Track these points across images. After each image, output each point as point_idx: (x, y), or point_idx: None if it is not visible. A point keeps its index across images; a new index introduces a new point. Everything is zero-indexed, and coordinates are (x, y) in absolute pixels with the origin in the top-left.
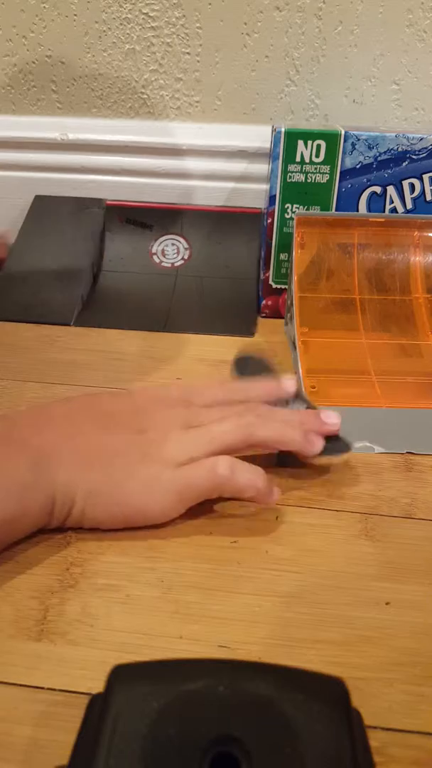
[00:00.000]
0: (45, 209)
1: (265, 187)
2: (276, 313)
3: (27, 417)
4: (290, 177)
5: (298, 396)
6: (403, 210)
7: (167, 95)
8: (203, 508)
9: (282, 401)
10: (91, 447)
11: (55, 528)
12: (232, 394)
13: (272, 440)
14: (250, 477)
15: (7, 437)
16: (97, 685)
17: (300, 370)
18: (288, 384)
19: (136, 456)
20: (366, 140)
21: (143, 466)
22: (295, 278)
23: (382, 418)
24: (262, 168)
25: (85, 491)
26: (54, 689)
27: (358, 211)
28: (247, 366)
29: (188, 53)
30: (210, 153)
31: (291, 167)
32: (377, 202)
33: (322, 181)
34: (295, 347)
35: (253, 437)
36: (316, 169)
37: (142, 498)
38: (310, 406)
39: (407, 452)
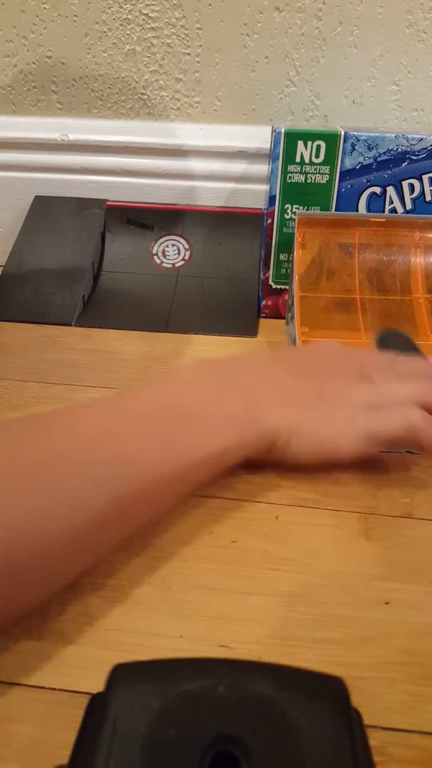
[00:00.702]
0: (45, 210)
1: (265, 187)
2: (276, 314)
3: (238, 362)
4: (290, 177)
5: None
6: (402, 210)
7: (167, 96)
8: (204, 507)
9: None
10: (289, 391)
11: (259, 464)
12: (395, 367)
13: None
14: None
15: (227, 378)
16: (97, 685)
17: None
18: None
19: (328, 400)
20: (366, 141)
21: (336, 410)
22: (296, 278)
23: None
24: (262, 168)
25: (289, 429)
26: (54, 689)
27: (357, 211)
28: (392, 343)
29: (188, 54)
30: (210, 154)
31: (291, 168)
32: (377, 203)
33: (321, 182)
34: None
35: None
36: (315, 169)
37: (337, 439)
38: None
39: (407, 452)
